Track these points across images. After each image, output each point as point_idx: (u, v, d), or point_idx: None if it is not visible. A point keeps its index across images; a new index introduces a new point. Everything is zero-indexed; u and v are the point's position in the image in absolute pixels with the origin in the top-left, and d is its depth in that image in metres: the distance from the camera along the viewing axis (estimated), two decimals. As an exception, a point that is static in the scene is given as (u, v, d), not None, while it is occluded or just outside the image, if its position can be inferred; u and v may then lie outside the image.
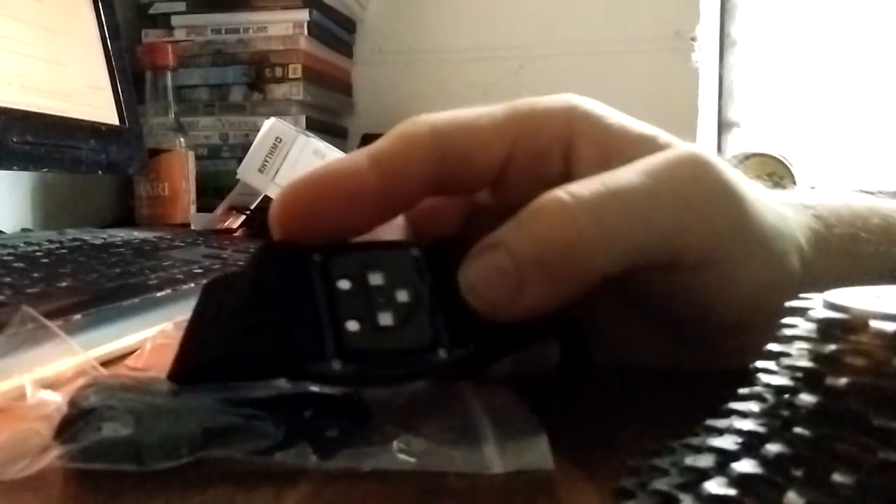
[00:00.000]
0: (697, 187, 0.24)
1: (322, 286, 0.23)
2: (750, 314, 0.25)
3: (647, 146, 0.26)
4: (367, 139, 1.14)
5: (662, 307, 0.27)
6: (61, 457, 0.21)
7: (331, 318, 0.23)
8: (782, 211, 0.27)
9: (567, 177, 0.27)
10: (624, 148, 0.26)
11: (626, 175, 0.24)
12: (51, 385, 0.25)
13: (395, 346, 0.23)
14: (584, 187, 0.23)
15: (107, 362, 0.31)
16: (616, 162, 0.26)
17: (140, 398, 0.23)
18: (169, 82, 0.95)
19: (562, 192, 0.23)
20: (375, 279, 0.24)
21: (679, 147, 0.26)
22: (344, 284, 0.23)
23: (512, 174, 0.27)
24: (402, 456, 0.21)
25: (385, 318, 0.23)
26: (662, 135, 0.27)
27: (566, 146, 0.27)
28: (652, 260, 0.24)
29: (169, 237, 0.69)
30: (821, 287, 0.19)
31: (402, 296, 0.23)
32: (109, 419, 0.22)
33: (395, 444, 0.22)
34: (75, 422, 0.22)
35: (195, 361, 0.24)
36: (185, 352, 0.24)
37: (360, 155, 0.25)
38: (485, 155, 0.26)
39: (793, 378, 0.18)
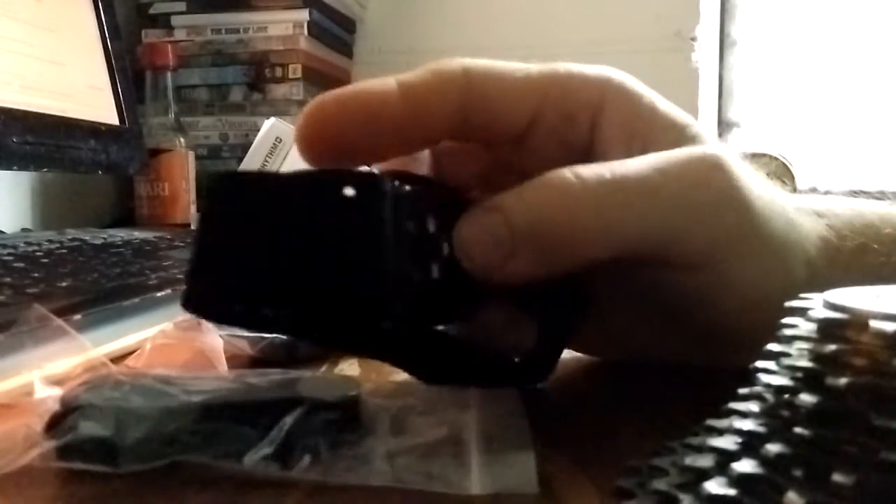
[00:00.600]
0: (705, 192, 0.24)
1: (390, 223, 0.21)
2: (750, 319, 0.25)
3: (672, 135, 0.26)
4: (367, 139, 1.13)
5: (656, 301, 0.27)
6: (42, 454, 0.21)
7: (395, 259, 0.21)
8: (793, 218, 0.27)
9: (590, 145, 0.27)
10: (649, 131, 0.27)
11: (636, 167, 0.24)
12: (60, 382, 0.25)
13: (434, 299, 0.23)
14: (591, 171, 0.23)
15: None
16: (638, 143, 0.26)
17: (126, 397, 0.23)
18: (169, 82, 0.95)
19: (568, 172, 0.23)
20: (432, 225, 0.23)
21: (702, 144, 0.26)
22: (410, 226, 0.22)
23: (538, 133, 0.27)
24: (379, 471, 0.21)
25: (435, 270, 0.23)
26: (692, 126, 0.27)
27: (594, 115, 0.27)
28: (643, 254, 0.24)
29: (169, 237, 0.69)
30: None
31: (446, 248, 0.23)
32: (88, 418, 0.22)
33: (374, 458, 0.21)
34: (62, 419, 0.22)
35: (227, 288, 0.21)
36: (209, 272, 0.22)
37: (389, 81, 0.25)
38: (513, 106, 0.26)
39: (793, 378, 0.18)
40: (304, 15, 1.07)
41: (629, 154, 0.26)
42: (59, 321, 0.28)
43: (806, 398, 0.17)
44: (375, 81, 0.25)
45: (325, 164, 0.24)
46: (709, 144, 0.26)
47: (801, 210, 0.28)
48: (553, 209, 0.23)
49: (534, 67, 0.27)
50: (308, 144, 0.24)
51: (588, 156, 0.27)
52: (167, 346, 0.32)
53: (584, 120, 0.27)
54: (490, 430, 0.23)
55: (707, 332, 0.27)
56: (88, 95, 0.75)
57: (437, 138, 0.27)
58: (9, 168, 0.64)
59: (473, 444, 0.22)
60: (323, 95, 0.25)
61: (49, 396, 0.24)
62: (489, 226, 0.23)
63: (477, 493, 0.20)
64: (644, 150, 0.25)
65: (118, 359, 0.33)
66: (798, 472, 0.16)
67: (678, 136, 0.26)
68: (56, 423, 0.22)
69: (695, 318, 0.27)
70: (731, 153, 0.26)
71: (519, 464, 0.21)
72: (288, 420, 0.22)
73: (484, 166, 0.29)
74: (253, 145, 0.79)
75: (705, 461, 0.18)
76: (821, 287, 0.26)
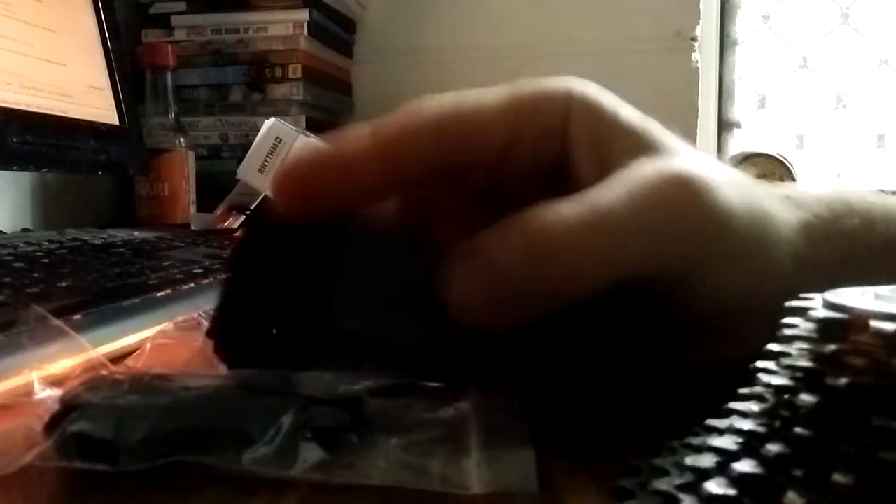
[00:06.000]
0: (678, 214, 0.24)
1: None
2: (741, 318, 0.25)
3: (633, 139, 0.27)
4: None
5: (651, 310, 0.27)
6: (42, 454, 0.21)
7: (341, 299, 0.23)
8: (773, 212, 0.27)
9: (562, 155, 0.28)
10: (613, 137, 0.27)
11: (611, 198, 0.24)
12: (60, 382, 0.25)
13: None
14: (572, 211, 0.23)
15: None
16: (604, 149, 0.27)
17: (125, 397, 0.23)
18: (169, 82, 0.95)
19: (551, 214, 0.23)
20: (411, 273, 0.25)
21: (664, 148, 0.27)
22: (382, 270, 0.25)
23: (513, 156, 0.27)
24: (378, 470, 0.21)
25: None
26: (650, 130, 0.27)
27: (563, 128, 0.27)
28: (633, 279, 0.24)
29: (169, 237, 0.69)
30: (824, 275, 0.19)
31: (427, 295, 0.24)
32: (88, 418, 0.22)
33: (373, 456, 0.21)
34: (61, 419, 0.22)
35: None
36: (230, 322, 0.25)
37: (363, 138, 0.26)
38: (490, 136, 0.27)
39: (793, 378, 0.18)
40: (304, 15, 1.07)
41: (598, 160, 0.26)
42: (57, 322, 0.28)
43: (806, 398, 0.17)
44: (349, 139, 0.26)
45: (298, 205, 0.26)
46: (675, 156, 0.26)
47: (779, 200, 0.28)
48: (541, 256, 0.23)
49: (501, 93, 0.27)
50: (284, 204, 0.26)
51: (562, 166, 0.28)
52: (167, 346, 0.32)
53: (556, 134, 0.27)
54: (490, 430, 0.23)
55: (699, 336, 0.27)
56: (88, 95, 0.75)
57: (414, 186, 0.27)
58: (9, 168, 0.64)
59: (473, 443, 0.22)
60: (298, 158, 0.26)
61: (48, 396, 0.24)
62: (479, 277, 0.23)
63: (477, 492, 0.20)
64: (610, 157, 0.26)
65: (118, 359, 0.33)
66: (798, 472, 0.16)
67: (638, 140, 0.27)
68: (55, 423, 0.22)
69: (685, 322, 0.27)
70: (699, 162, 0.26)
71: (519, 463, 0.21)
72: (287, 419, 0.22)
73: (460, 199, 0.30)
74: (253, 145, 0.79)
75: (706, 461, 0.18)
76: (813, 270, 0.26)
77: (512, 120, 0.27)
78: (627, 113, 0.28)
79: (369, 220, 0.27)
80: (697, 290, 0.26)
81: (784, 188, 0.30)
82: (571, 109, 0.27)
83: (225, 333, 0.25)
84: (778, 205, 0.28)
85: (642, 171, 0.25)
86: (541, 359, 0.25)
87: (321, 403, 0.23)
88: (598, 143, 0.27)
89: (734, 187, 0.26)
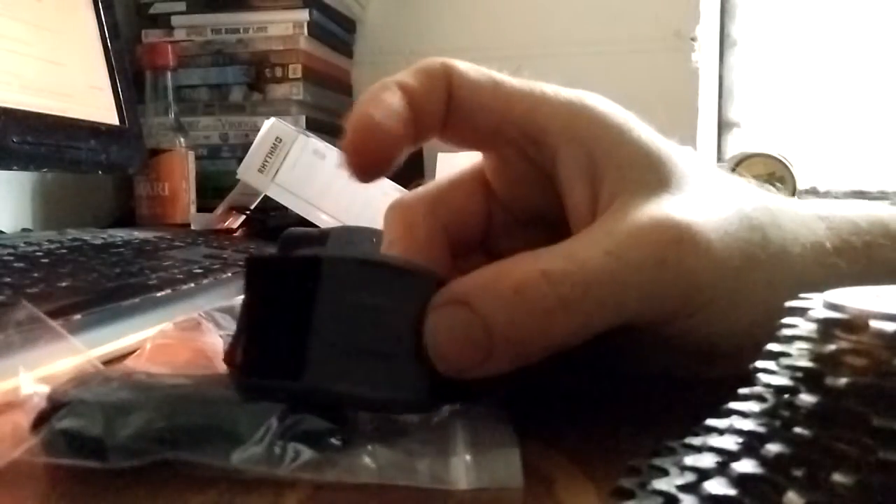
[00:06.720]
0: (665, 273, 0.24)
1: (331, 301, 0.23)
2: (746, 341, 0.25)
3: (635, 174, 0.26)
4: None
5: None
6: (28, 450, 0.21)
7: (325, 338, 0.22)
8: (780, 250, 0.26)
9: (554, 171, 0.28)
10: (611, 169, 0.26)
11: (596, 255, 0.24)
12: (49, 382, 0.25)
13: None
14: (558, 268, 0.23)
15: (107, 362, 0.31)
16: (599, 181, 0.26)
17: (114, 394, 0.23)
18: (169, 82, 0.95)
19: (537, 273, 0.23)
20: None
21: (663, 189, 0.26)
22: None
23: (505, 146, 0.28)
24: (366, 468, 0.21)
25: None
26: (657, 162, 0.27)
27: (557, 144, 0.27)
28: (621, 325, 0.24)
29: (169, 237, 0.69)
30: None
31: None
32: (77, 414, 0.22)
33: (361, 455, 0.21)
34: (49, 416, 0.22)
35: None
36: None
37: (394, 95, 0.26)
38: (477, 112, 0.27)
39: (793, 378, 0.18)
40: (304, 15, 1.07)
41: (591, 191, 0.26)
42: (50, 322, 0.28)
43: (806, 398, 0.17)
44: (385, 96, 0.26)
45: (368, 176, 0.26)
46: (670, 196, 0.26)
47: (800, 220, 0.28)
48: (527, 313, 0.23)
49: (511, 81, 0.28)
50: (357, 167, 0.25)
51: (552, 182, 0.28)
52: (167, 346, 0.32)
53: (548, 146, 0.27)
54: (475, 431, 0.23)
55: (694, 355, 0.27)
56: (88, 95, 0.75)
57: (429, 136, 0.28)
58: (9, 168, 0.64)
59: (460, 442, 0.23)
60: (354, 122, 0.25)
61: (36, 393, 0.23)
62: (463, 326, 0.23)
63: (464, 488, 0.21)
64: (602, 189, 0.26)
65: (118, 359, 0.33)
66: (798, 472, 0.16)
67: (639, 175, 0.26)
68: (43, 420, 0.22)
69: (678, 345, 0.27)
70: (696, 202, 0.25)
71: (504, 460, 0.21)
72: (277, 418, 0.22)
73: (485, 214, 0.30)
74: (253, 145, 0.79)
75: (706, 461, 0.18)
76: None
77: (498, 110, 0.27)
78: (636, 140, 0.27)
79: (351, 250, 0.27)
80: (688, 329, 0.25)
81: (817, 205, 0.29)
82: (572, 129, 0.27)
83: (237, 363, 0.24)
84: (794, 227, 0.27)
85: (630, 223, 0.25)
86: (527, 377, 0.25)
87: (308, 406, 0.23)
88: (594, 174, 0.27)
89: (732, 225, 0.26)
